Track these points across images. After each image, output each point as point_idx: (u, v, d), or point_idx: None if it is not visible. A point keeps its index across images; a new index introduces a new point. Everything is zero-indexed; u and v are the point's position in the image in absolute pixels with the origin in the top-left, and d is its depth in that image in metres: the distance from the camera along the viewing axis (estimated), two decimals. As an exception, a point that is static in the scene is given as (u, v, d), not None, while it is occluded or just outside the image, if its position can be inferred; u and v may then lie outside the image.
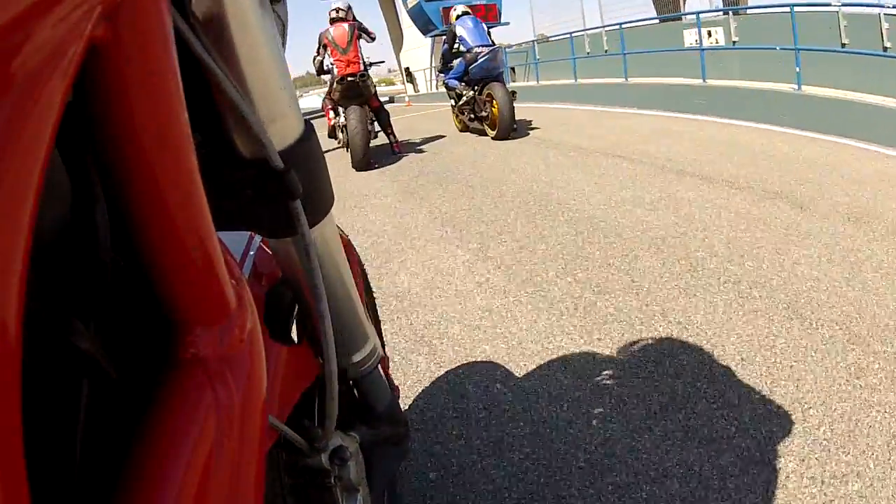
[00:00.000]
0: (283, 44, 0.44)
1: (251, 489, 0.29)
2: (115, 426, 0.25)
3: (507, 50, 12.44)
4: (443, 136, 5.71)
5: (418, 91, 18.13)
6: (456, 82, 5.21)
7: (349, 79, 4.36)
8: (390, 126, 4.97)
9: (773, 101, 4.43)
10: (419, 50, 18.51)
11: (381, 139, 5.10)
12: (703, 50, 5.59)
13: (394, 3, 18.90)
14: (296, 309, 0.60)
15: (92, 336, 0.24)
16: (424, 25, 17.14)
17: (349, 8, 4.58)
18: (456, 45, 5.10)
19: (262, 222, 0.42)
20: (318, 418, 0.57)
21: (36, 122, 0.15)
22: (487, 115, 4.93)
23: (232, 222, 0.41)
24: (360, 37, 4.51)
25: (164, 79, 0.24)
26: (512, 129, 4.81)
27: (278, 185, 0.38)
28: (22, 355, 0.15)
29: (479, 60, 4.74)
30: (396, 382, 0.88)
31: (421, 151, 5.03)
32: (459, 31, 5.00)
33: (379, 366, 0.66)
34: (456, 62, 5.18)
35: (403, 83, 19.53)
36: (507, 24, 17.60)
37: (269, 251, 0.59)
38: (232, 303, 0.31)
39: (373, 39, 4.71)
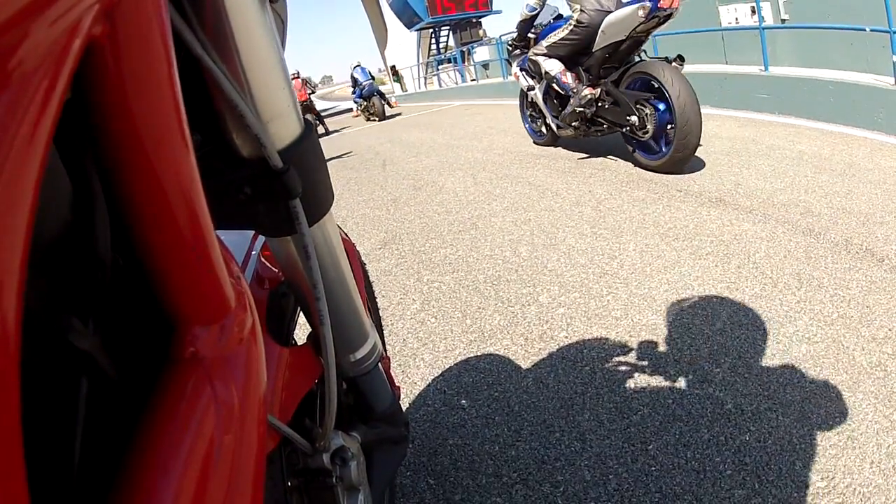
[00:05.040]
0: (283, 43, 0.44)
1: (250, 487, 0.29)
2: (114, 425, 0.25)
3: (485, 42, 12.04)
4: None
5: (406, 90, 17.69)
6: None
7: None
8: None
9: (865, 99, 3.27)
10: (404, 46, 18.15)
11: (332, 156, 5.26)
12: (763, 29, 4.27)
13: (377, -1, 18.48)
14: (298, 310, 0.59)
15: (91, 335, 0.24)
16: (409, 19, 16.69)
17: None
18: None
19: (261, 221, 0.41)
20: (319, 418, 0.56)
21: (34, 119, 0.15)
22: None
23: (232, 221, 0.40)
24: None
25: (162, 77, 0.23)
26: None
27: (278, 184, 0.38)
28: (21, 354, 0.15)
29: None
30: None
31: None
32: None
33: (380, 365, 0.66)
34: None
35: (390, 82, 19.24)
36: (499, 12, 17.24)
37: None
38: (231, 302, 0.31)
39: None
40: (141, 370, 0.28)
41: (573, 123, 3.24)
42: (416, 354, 1.58)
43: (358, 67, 10.02)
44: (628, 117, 2.82)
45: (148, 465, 0.23)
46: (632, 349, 1.42)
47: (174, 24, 0.27)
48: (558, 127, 3.48)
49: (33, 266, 0.16)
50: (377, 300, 1.36)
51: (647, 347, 1.41)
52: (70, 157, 0.24)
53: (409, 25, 17.08)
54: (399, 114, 10.48)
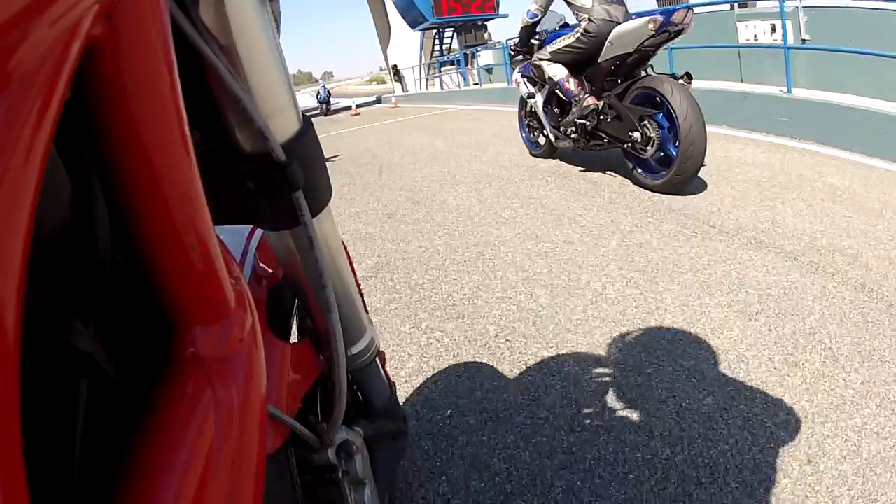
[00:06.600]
0: None
1: (251, 488, 0.29)
2: (114, 426, 0.25)
3: (489, 46, 11.98)
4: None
5: (407, 91, 17.64)
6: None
7: None
8: None
9: (892, 129, 3.10)
10: (407, 45, 18.00)
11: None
12: (788, 48, 4.05)
13: (381, -5, 18.43)
14: (296, 306, 0.59)
15: (91, 336, 0.23)
16: (414, 18, 16.59)
17: None
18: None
19: (263, 215, 0.41)
20: (321, 414, 0.57)
21: (34, 120, 0.15)
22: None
23: (233, 217, 0.40)
24: None
25: (162, 78, 0.23)
26: None
27: (281, 177, 0.38)
28: (21, 355, 0.15)
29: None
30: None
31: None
32: None
33: (376, 359, 0.66)
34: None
35: (391, 82, 19.20)
36: (505, 15, 17.01)
37: (270, 247, 0.58)
38: (231, 302, 0.31)
39: None
40: (141, 370, 0.27)
41: (572, 135, 3.09)
42: (411, 441, 1.26)
43: (323, 87, 16.84)
44: (631, 133, 2.69)
45: (148, 466, 0.23)
46: (683, 449, 1.14)
47: (175, 20, 0.27)
48: (556, 138, 3.34)
49: (33, 266, 0.16)
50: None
51: (701, 447, 1.14)
52: (70, 157, 0.24)
53: (413, 25, 16.86)
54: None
